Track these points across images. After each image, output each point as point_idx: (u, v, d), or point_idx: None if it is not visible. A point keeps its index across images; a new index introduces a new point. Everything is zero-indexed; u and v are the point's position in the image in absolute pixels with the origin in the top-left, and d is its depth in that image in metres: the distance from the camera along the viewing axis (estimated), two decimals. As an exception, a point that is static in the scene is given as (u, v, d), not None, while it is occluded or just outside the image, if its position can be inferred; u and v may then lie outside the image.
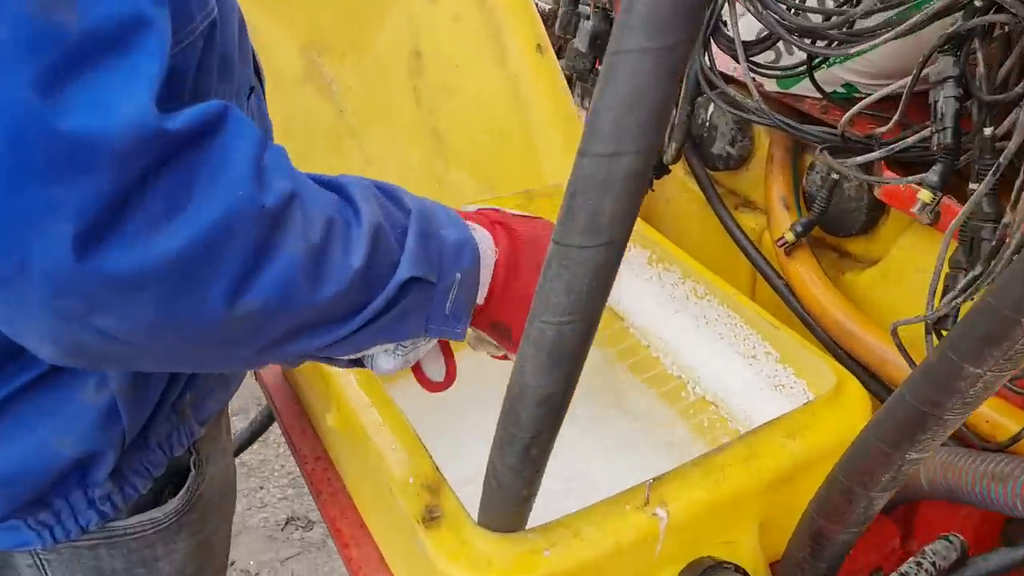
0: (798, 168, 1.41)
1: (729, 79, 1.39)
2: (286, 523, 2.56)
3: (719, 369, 1.31)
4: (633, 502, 0.95)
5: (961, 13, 0.92)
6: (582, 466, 1.27)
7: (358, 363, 0.87)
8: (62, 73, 0.55)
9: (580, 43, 1.42)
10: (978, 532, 1.20)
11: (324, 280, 0.68)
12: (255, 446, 2.58)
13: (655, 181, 1.54)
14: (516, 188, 1.54)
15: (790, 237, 1.28)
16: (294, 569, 2.40)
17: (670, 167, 1.51)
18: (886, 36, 0.99)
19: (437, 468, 1.00)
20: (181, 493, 0.96)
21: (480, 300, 0.84)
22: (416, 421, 1.08)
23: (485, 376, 1.07)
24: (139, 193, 0.58)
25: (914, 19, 0.96)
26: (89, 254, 0.57)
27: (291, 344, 0.71)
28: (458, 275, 0.79)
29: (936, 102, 0.93)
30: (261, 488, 2.67)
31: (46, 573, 0.92)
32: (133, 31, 0.58)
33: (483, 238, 0.84)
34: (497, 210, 0.92)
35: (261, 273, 0.64)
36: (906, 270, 1.27)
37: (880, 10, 1.02)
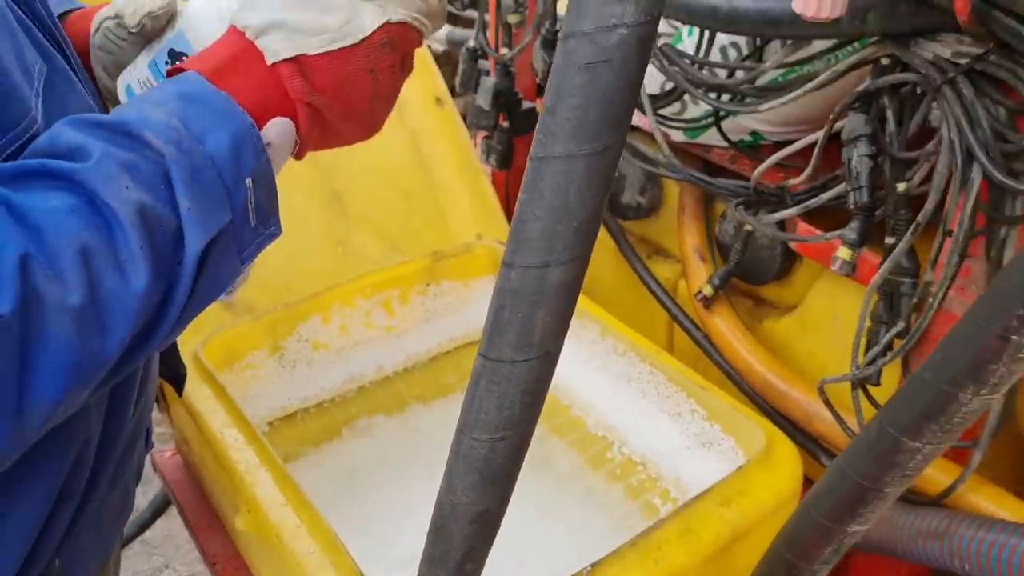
0: (710, 216, 1.40)
1: (634, 129, 1.36)
2: (195, 601, 2.41)
3: (645, 428, 1.28)
4: (572, 589, 0.90)
5: (870, 69, 0.91)
6: (516, 535, 1.22)
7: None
8: None
9: (482, 100, 1.37)
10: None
11: (112, 326, 0.58)
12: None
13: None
14: (424, 249, 1.48)
15: (708, 291, 1.26)
16: (206, 654, 2.26)
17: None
18: (795, 93, 0.97)
19: (360, 572, 0.93)
20: None
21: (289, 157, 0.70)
22: (328, 503, 1.01)
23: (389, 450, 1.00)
24: None
25: (822, 76, 0.95)
26: None
27: (120, 371, 0.62)
28: (248, 183, 0.65)
29: (850, 160, 0.91)
30: (166, 567, 2.51)
31: None
32: None
33: (259, 106, 0.66)
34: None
35: (36, 385, 0.55)
36: (823, 317, 1.26)
37: (789, 65, 1.00)
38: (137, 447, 0.85)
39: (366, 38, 0.67)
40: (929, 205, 0.88)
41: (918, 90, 0.89)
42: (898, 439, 0.73)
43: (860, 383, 1.00)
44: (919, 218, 0.89)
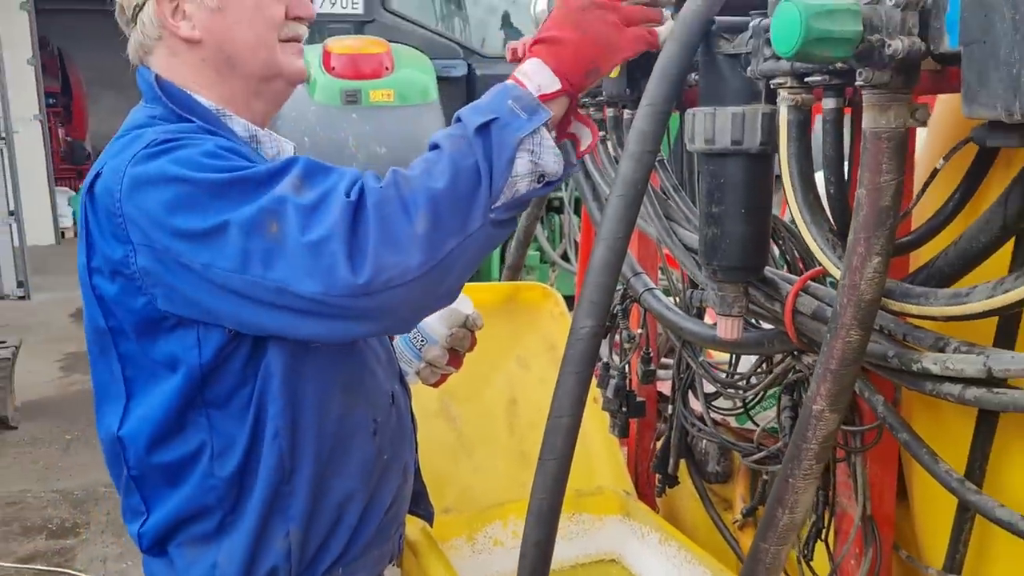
0: (759, 480, 2.11)
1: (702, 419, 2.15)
2: None
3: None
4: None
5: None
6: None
7: (546, 182, 1.29)
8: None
9: (610, 393, 2.22)
10: None
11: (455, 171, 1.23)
12: None
13: (668, 489, 2.24)
14: (572, 486, 2.27)
15: (739, 517, 1.95)
16: None
17: (679, 479, 2.23)
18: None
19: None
20: None
21: (548, 113, 1.27)
22: None
23: None
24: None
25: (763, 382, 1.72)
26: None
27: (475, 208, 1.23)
28: (508, 102, 1.25)
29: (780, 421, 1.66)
30: None
31: None
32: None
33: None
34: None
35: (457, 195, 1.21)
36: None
37: (761, 377, 1.79)
38: (400, 508, 1.64)
39: None
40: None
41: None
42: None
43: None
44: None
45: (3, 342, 5.96)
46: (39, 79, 12.21)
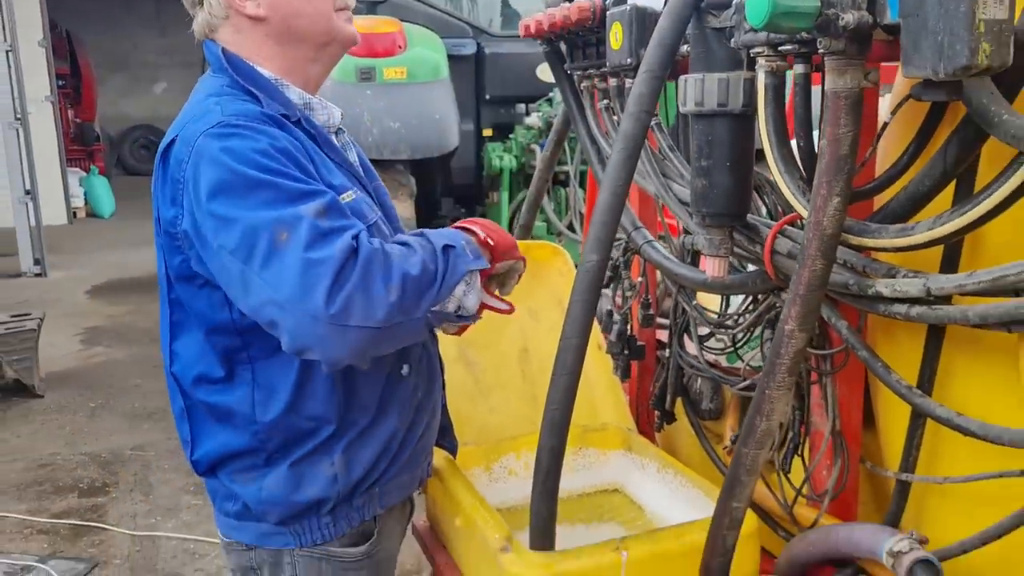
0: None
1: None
2: None
3: (683, 515, 2.17)
4: (611, 546, 1.82)
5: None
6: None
7: (463, 318, 1.58)
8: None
9: (613, 337, 2.45)
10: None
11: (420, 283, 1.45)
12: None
13: (666, 425, 2.48)
14: (578, 424, 2.50)
15: (728, 444, 2.19)
16: None
17: (675, 416, 2.46)
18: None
19: (509, 530, 1.90)
20: (365, 546, 1.73)
21: (486, 263, 1.55)
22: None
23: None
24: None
25: (748, 320, 1.95)
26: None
27: (424, 301, 1.46)
28: (462, 242, 1.54)
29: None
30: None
31: (296, 567, 1.69)
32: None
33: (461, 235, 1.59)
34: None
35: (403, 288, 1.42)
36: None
37: (748, 316, 2.03)
38: (429, 439, 1.88)
39: None
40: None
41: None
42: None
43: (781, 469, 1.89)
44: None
45: (27, 314, 6.18)
46: (50, 61, 12.37)
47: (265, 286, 1.39)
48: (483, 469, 2.41)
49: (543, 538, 1.76)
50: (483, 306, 1.63)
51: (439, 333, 1.96)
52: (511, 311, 1.67)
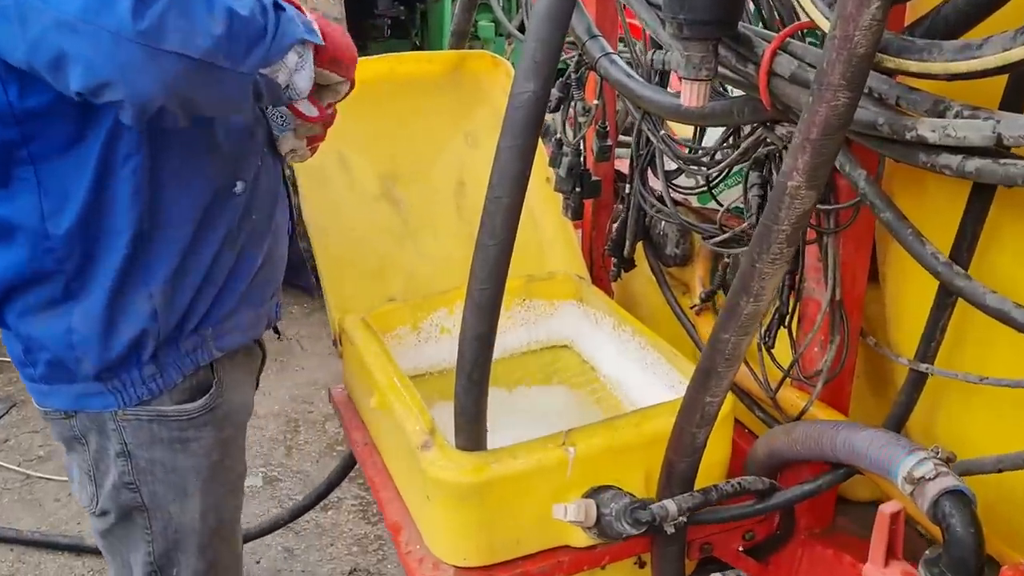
0: (717, 262, 1.98)
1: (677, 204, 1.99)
2: (350, 573, 3.07)
3: (641, 382, 1.86)
4: (554, 441, 1.49)
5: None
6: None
7: (292, 100, 1.39)
8: None
9: (562, 172, 2.04)
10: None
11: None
12: (329, 512, 3.19)
13: (624, 273, 2.12)
14: (523, 272, 2.14)
15: (697, 302, 1.84)
16: (356, 610, 2.90)
17: (635, 263, 2.10)
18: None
19: (433, 421, 1.56)
20: (204, 399, 1.52)
21: (320, 40, 1.35)
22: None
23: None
24: None
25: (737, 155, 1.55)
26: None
27: (252, 54, 1.24)
28: (294, 12, 1.32)
29: (747, 197, 1.50)
30: (331, 544, 3.20)
31: (123, 434, 1.49)
32: None
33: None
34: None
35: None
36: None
37: (728, 152, 1.62)
38: (271, 274, 1.59)
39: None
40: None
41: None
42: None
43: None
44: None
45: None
46: None
47: (46, 6, 1.13)
48: (410, 328, 2.06)
49: (471, 440, 1.43)
50: (296, 112, 1.47)
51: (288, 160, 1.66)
52: (320, 118, 1.51)
